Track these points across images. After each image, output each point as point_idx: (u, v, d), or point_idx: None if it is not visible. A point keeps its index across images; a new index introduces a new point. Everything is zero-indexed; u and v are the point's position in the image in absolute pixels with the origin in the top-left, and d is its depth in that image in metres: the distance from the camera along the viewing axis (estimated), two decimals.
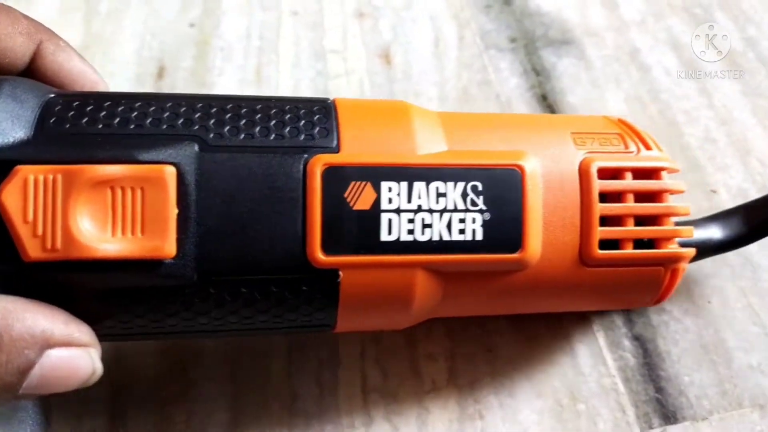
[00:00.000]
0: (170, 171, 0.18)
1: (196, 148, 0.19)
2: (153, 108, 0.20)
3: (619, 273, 0.22)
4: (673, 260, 0.22)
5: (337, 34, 0.37)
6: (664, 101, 0.33)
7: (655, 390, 0.25)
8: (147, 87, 0.36)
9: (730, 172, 0.31)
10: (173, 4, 0.40)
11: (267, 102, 0.21)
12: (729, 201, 0.29)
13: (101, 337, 0.19)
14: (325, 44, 0.37)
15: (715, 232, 0.25)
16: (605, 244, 0.21)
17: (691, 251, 0.22)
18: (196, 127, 0.19)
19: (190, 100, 0.20)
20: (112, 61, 0.37)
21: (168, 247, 0.18)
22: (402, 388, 0.25)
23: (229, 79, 0.36)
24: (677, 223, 0.22)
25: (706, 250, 0.24)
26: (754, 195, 0.29)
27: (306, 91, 0.35)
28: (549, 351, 0.26)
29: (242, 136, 0.19)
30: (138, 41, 0.38)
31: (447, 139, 0.21)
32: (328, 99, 0.22)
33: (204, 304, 0.19)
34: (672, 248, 0.22)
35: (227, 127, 0.19)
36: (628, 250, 0.21)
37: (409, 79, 0.35)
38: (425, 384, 0.25)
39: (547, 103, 0.33)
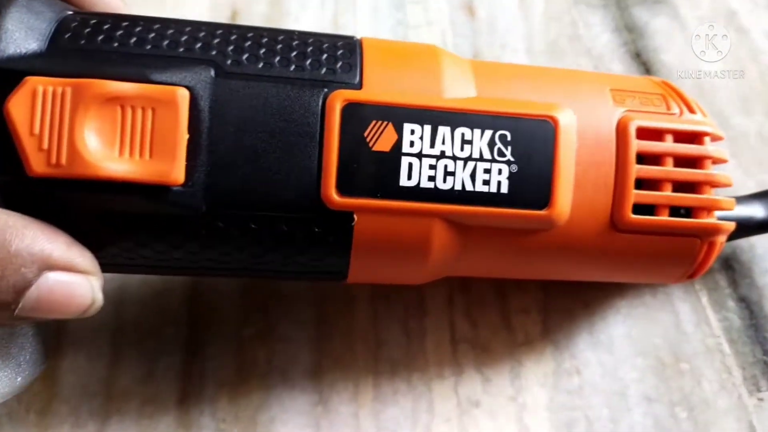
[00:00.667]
0: (183, 94, 0.17)
1: (212, 73, 0.18)
2: (171, 31, 0.19)
3: (652, 241, 0.20)
4: (711, 232, 0.20)
5: None
6: (765, 63, 0.32)
7: (763, 352, 0.24)
8: None
9: None
10: None
11: (290, 34, 0.20)
12: None
13: (104, 267, 0.18)
14: None
15: (759, 210, 0.23)
16: (639, 208, 0.20)
17: (731, 225, 0.21)
18: (214, 52, 0.18)
19: (211, 27, 0.19)
20: (184, 4, 0.36)
21: (176, 172, 0.17)
22: (493, 339, 0.24)
23: (305, 26, 0.35)
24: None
25: (748, 227, 0.23)
26: None
27: None
28: (649, 309, 0.25)
29: (261, 64, 0.19)
30: None
31: (477, 86, 0.20)
32: (354, 36, 0.21)
33: (211, 237, 0.19)
34: (710, 219, 0.20)
35: (246, 55, 0.19)
36: (664, 217, 0.20)
37: (494, 31, 0.34)
38: (518, 336, 0.24)
39: (641, 60, 0.32)
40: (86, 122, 0.16)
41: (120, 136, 0.17)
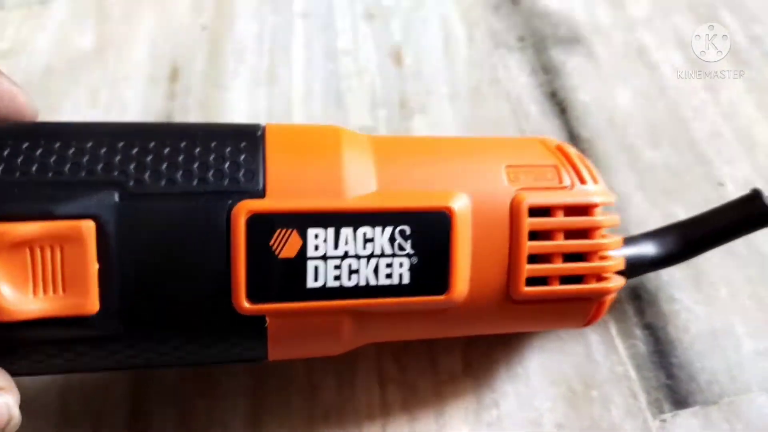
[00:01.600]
0: (89, 226, 0.18)
1: (116, 197, 0.18)
2: (73, 150, 0.19)
3: (547, 307, 0.22)
4: (600, 295, 0.22)
5: (347, 36, 0.38)
6: (672, 98, 0.34)
7: (666, 377, 0.25)
8: (161, 89, 0.36)
9: (736, 165, 0.31)
10: (184, 7, 0.41)
11: (193, 139, 0.20)
12: (736, 192, 0.30)
13: (20, 374, 0.19)
14: (336, 45, 0.38)
15: (650, 249, 0.25)
16: (533, 280, 0.21)
17: (619, 284, 0.22)
18: (116, 173, 0.19)
19: (112, 140, 0.19)
20: (126, 63, 0.38)
21: (90, 303, 0.18)
22: (420, 379, 0.26)
23: (243, 80, 0.36)
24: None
25: (640, 267, 0.24)
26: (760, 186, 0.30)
27: (318, 92, 0.35)
28: (562, 340, 0.26)
29: (164, 182, 0.19)
30: (150, 44, 0.39)
31: (378, 176, 0.21)
32: (258, 128, 0.21)
33: (131, 349, 0.19)
34: (600, 285, 0.21)
35: (148, 172, 0.19)
36: (555, 287, 0.21)
37: (420, 78, 0.35)
38: (442, 375, 0.26)
39: (557, 99, 0.34)
40: None
41: (32, 277, 0.17)
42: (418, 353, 0.26)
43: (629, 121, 0.33)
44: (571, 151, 0.23)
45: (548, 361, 0.26)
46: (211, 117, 0.35)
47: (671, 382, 0.25)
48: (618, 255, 0.22)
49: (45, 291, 0.17)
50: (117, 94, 0.36)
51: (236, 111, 0.35)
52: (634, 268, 0.24)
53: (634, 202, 0.30)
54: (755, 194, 0.24)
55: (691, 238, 0.25)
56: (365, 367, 0.26)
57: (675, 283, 0.28)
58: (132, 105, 0.36)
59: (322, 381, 0.26)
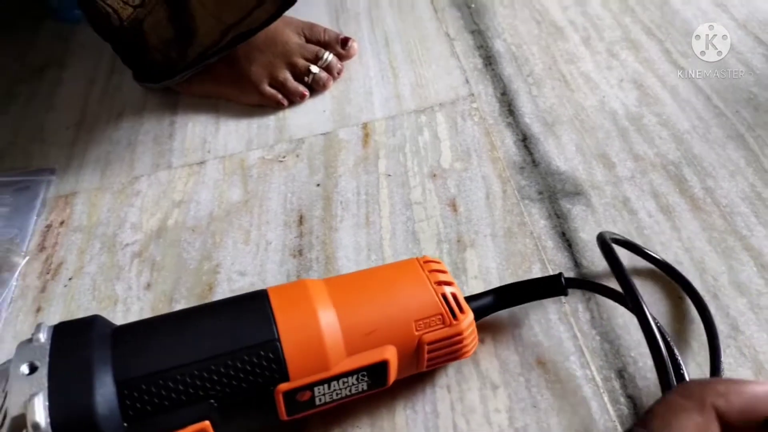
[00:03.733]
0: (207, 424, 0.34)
1: (215, 403, 0.34)
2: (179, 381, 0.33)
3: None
4: (466, 352, 0.40)
5: (418, 191, 0.55)
6: (647, 236, 0.48)
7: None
8: (293, 231, 0.53)
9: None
10: (303, 171, 0.58)
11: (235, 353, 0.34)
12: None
13: None
14: (411, 197, 0.54)
15: (488, 300, 0.42)
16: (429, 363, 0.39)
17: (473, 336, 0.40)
18: (210, 391, 0.34)
19: (200, 367, 0.33)
20: (266, 212, 0.55)
21: None
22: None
23: (348, 224, 0.53)
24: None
25: (483, 312, 0.42)
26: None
27: (400, 232, 0.51)
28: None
29: (236, 383, 0.34)
30: (282, 197, 0.56)
31: (342, 328, 0.37)
32: (272, 333, 0.35)
33: None
34: (462, 351, 0.40)
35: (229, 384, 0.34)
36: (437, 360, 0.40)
37: (470, 221, 0.51)
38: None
39: (565, 238, 0.49)
40: None
41: None
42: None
43: (617, 252, 0.48)
44: (439, 267, 0.41)
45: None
46: (328, 251, 0.51)
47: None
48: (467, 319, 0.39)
49: None
50: (262, 233, 0.53)
51: (345, 246, 0.51)
52: (481, 312, 0.42)
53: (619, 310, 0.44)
54: (559, 275, 0.42)
55: (506, 296, 0.43)
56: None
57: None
58: (273, 242, 0.52)
59: None
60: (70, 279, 0.52)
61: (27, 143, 0.68)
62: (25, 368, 0.31)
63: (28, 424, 0.29)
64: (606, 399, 0.40)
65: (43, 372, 0.31)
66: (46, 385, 0.30)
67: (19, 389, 0.30)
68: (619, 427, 0.39)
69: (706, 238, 0.48)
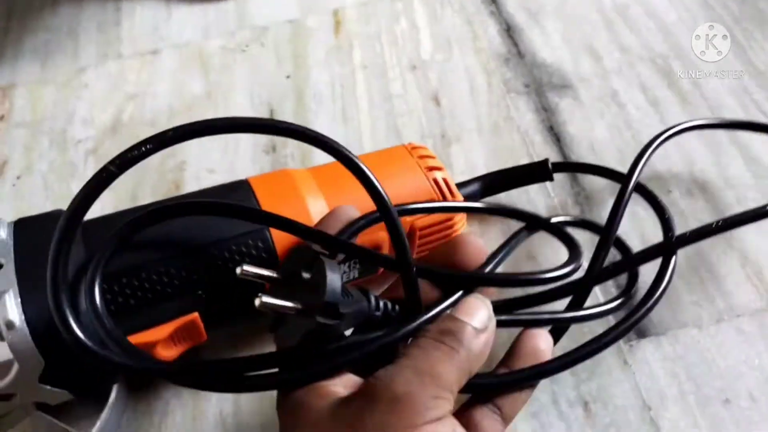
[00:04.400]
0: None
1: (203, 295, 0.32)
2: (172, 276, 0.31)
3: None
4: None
5: (397, 83, 0.51)
6: (636, 129, 0.47)
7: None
8: None
9: (680, 177, 0.45)
10: (270, 61, 0.54)
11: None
12: (679, 199, 0.43)
13: None
14: (390, 90, 0.51)
15: (476, 187, 0.42)
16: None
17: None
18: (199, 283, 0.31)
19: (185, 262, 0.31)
20: (233, 106, 0.51)
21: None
22: None
23: (324, 119, 0.49)
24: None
25: (472, 198, 0.41)
26: (696, 188, 0.43)
27: (381, 127, 0.48)
28: None
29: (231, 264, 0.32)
30: (248, 90, 0.52)
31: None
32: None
33: None
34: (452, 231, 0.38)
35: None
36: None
37: (454, 116, 0.49)
38: None
39: (553, 132, 0.47)
40: None
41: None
42: None
43: (604, 147, 0.46)
44: (428, 153, 0.39)
45: None
46: (303, 146, 0.48)
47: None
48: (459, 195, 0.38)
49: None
50: None
51: None
52: (470, 198, 0.41)
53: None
54: (545, 160, 0.41)
55: (496, 182, 0.42)
56: None
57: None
58: (243, 140, 0.49)
59: None
60: (18, 178, 0.47)
61: None
62: None
63: (1, 323, 0.26)
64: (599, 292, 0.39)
65: (9, 268, 0.27)
66: (15, 281, 0.27)
67: None
68: (610, 316, 0.38)
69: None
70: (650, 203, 0.39)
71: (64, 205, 0.45)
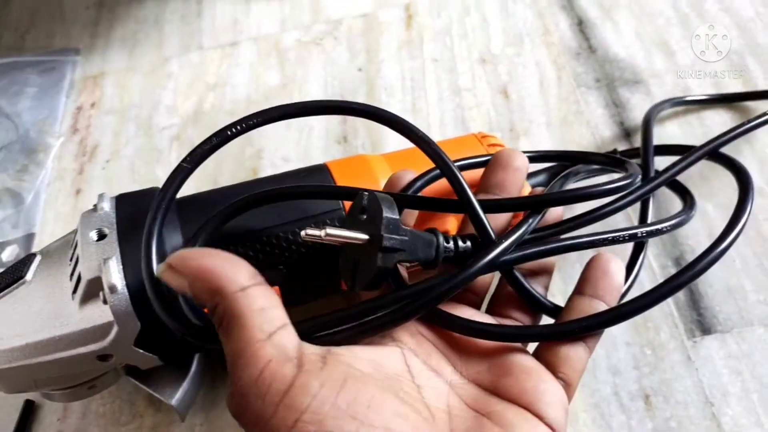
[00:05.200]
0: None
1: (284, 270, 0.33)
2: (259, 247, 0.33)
3: None
4: None
5: (467, 77, 0.52)
6: (708, 126, 0.47)
7: (697, 315, 0.38)
8: (335, 116, 0.51)
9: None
10: (343, 54, 0.55)
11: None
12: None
13: None
14: (459, 84, 0.52)
15: (543, 178, 0.41)
16: None
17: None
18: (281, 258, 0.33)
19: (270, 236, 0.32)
20: (307, 97, 0.53)
21: None
22: None
23: (394, 110, 0.50)
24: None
25: (541, 186, 0.41)
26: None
27: (449, 119, 0.50)
28: None
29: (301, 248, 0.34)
30: (322, 82, 0.54)
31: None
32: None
33: None
34: None
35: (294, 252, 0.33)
36: None
37: (523, 110, 0.49)
38: None
39: (624, 127, 0.47)
40: None
41: None
42: None
43: (674, 141, 0.46)
44: (497, 142, 0.40)
45: None
46: (374, 137, 0.49)
47: (700, 318, 0.38)
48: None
49: None
50: (304, 119, 0.51)
51: (392, 133, 0.49)
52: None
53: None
54: (614, 151, 0.42)
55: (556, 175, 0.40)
56: None
57: None
58: (316, 128, 0.51)
59: None
60: (107, 161, 0.51)
61: (47, 23, 0.64)
62: (93, 235, 0.30)
63: (105, 286, 0.28)
64: None
65: (113, 237, 0.30)
66: (117, 249, 0.30)
67: (91, 254, 0.30)
68: (675, 312, 0.38)
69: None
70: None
71: None
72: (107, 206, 0.32)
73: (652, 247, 0.41)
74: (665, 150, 0.43)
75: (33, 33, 0.63)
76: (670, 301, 0.39)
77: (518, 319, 0.31)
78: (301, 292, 0.35)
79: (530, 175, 0.42)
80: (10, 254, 0.47)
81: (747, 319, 0.38)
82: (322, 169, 0.36)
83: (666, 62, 0.50)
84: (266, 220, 0.33)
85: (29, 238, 0.47)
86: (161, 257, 0.27)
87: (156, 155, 0.51)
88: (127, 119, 0.54)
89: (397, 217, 0.27)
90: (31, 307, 0.30)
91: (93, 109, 0.55)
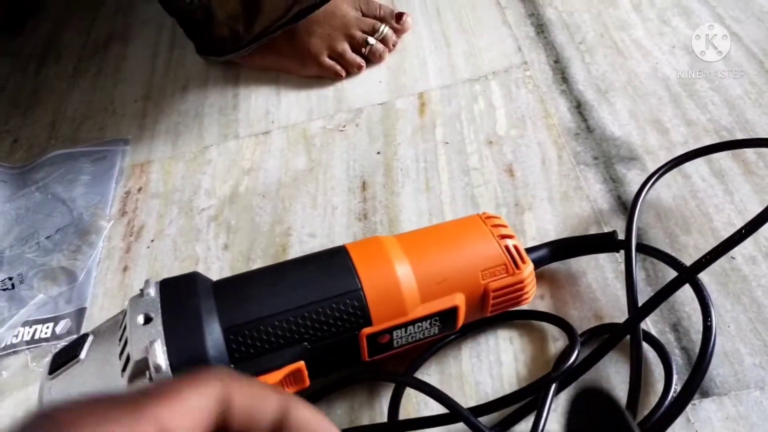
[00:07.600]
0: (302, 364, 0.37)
1: (308, 346, 0.37)
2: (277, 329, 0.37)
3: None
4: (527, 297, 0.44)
5: (475, 157, 0.57)
6: (700, 199, 0.50)
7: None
8: (356, 195, 0.56)
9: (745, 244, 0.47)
10: (363, 139, 0.61)
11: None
12: (744, 262, 0.46)
13: None
14: (468, 164, 0.57)
15: (545, 252, 0.46)
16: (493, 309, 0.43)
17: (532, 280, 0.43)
18: (304, 335, 0.37)
19: (291, 317, 0.37)
20: (330, 179, 0.58)
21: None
22: None
23: (409, 189, 0.56)
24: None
25: (542, 261, 0.46)
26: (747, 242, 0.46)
27: (459, 197, 0.54)
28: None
29: (327, 328, 0.38)
30: (345, 165, 0.59)
31: (416, 278, 0.40)
32: (355, 285, 0.38)
33: None
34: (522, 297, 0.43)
35: (319, 329, 0.38)
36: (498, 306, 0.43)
37: (526, 186, 0.54)
38: None
39: (621, 201, 0.51)
40: None
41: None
42: None
43: (670, 216, 0.49)
44: (500, 222, 0.44)
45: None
46: (392, 214, 0.54)
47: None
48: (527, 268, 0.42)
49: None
50: (328, 198, 0.56)
51: (407, 210, 0.54)
52: (538, 264, 0.45)
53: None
54: (612, 232, 0.45)
55: (563, 247, 0.46)
56: None
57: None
58: (339, 207, 0.56)
59: None
60: (152, 241, 0.57)
61: (99, 116, 0.72)
62: (140, 319, 0.35)
63: (151, 366, 0.33)
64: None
65: (158, 321, 0.35)
66: (162, 332, 0.34)
67: (138, 337, 0.34)
68: (674, 375, 0.41)
69: (758, 200, 0.49)
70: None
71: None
72: (152, 291, 0.36)
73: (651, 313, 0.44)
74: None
75: (87, 125, 0.71)
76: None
77: None
78: (325, 364, 0.39)
79: (532, 249, 0.46)
80: (63, 327, 0.52)
81: (743, 382, 0.40)
82: (341, 252, 0.41)
83: (659, 139, 0.55)
84: (291, 301, 0.37)
85: (81, 312, 0.52)
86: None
87: (195, 234, 0.56)
88: (170, 202, 0.60)
89: None
90: (85, 383, 0.35)
91: (140, 193, 0.61)
